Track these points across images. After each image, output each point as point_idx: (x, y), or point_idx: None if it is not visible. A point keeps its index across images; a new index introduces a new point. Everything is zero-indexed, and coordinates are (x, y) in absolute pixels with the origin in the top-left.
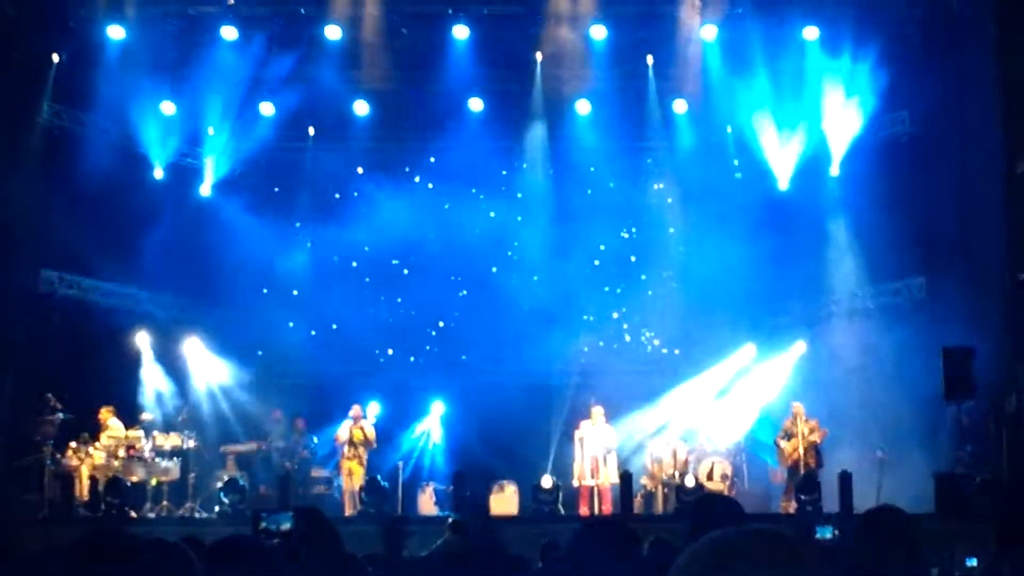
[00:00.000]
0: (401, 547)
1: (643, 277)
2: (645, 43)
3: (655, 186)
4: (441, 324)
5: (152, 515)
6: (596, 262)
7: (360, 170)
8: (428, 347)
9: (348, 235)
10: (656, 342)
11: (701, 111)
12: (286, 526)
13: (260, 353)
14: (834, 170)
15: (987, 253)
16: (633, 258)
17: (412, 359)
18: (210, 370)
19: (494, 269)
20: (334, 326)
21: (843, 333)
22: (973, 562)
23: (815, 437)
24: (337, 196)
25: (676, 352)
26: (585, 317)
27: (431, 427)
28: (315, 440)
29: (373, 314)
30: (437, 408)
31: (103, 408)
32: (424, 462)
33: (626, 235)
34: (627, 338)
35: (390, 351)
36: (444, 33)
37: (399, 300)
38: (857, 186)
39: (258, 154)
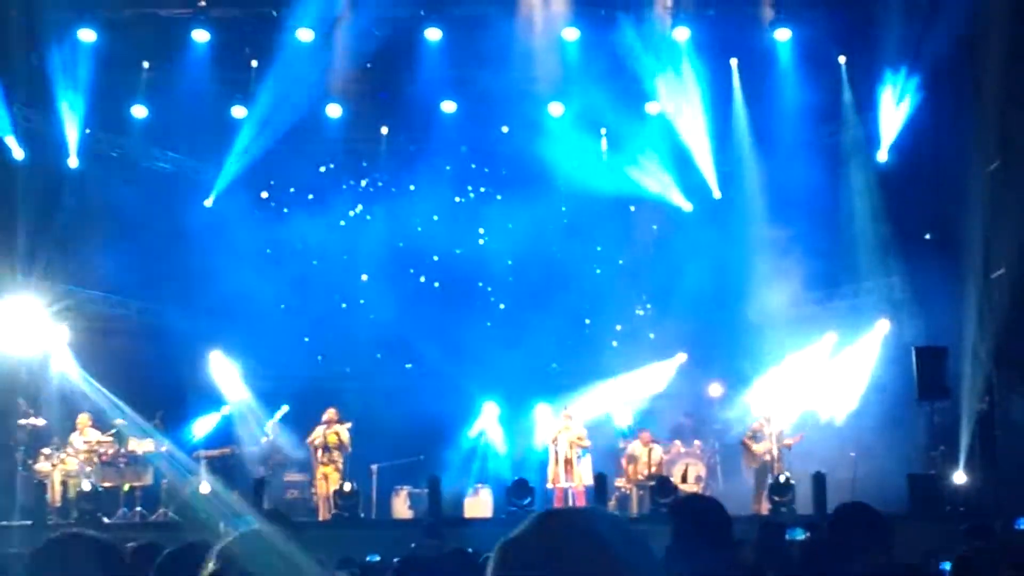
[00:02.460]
0: None
1: (627, 295)
2: (618, 45)
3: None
4: (411, 325)
5: (124, 521)
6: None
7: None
8: (397, 352)
9: (318, 238)
10: (614, 344)
11: (673, 113)
12: (245, 528)
13: (244, 356)
14: (810, 172)
15: (961, 253)
16: (620, 260)
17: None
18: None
19: (460, 261)
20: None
21: (816, 334)
22: (947, 566)
23: (789, 441)
24: (310, 198)
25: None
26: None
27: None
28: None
29: (346, 317)
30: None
31: (81, 415)
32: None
33: (601, 236)
34: (614, 343)
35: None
36: (416, 35)
37: (364, 302)
38: (832, 188)
39: (231, 157)
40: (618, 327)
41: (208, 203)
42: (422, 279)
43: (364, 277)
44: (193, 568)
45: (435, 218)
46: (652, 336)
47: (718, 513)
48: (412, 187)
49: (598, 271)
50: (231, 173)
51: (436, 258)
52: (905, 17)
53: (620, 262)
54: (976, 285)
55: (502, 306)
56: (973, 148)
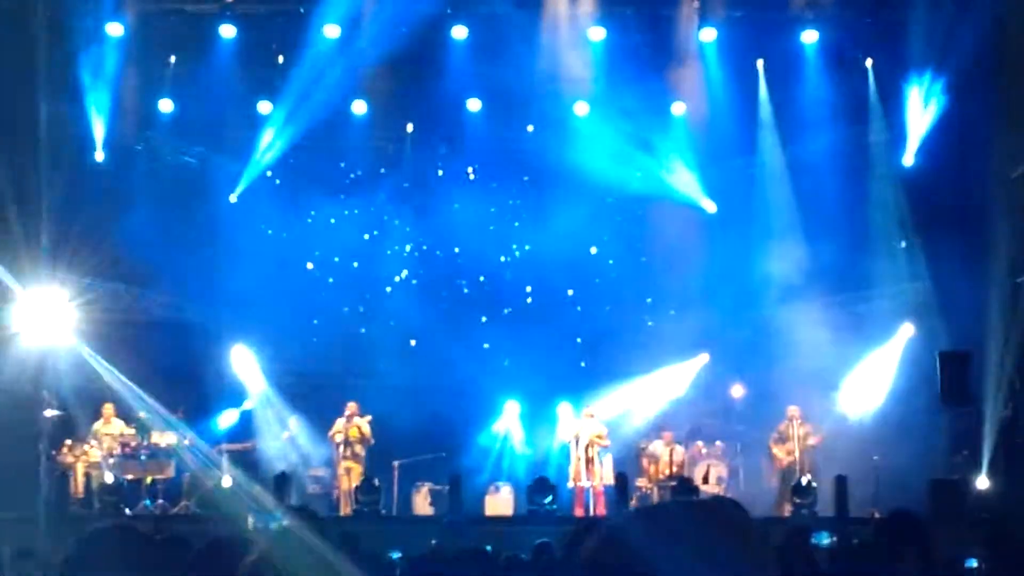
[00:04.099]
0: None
1: (650, 295)
2: (644, 45)
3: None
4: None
5: (146, 513)
6: (593, 249)
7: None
8: (418, 349)
9: (341, 235)
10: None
11: (699, 113)
12: (276, 525)
13: (265, 351)
14: (836, 174)
15: (986, 257)
16: (644, 258)
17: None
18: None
19: (491, 264)
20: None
21: (839, 337)
22: (973, 563)
23: (812, 441)
24: (334, 195)
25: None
26: (578, 308)
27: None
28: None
29: (369, 315)
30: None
31: (106, 404)
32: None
33: (626, 237)
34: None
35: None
36: (443, 33)
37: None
38: (857, 190)
39: (256, 153)
40: (648, 322)
41: (233, 199)
42: (444, 276)
43: (393, 286)
44: (227, 562)
45: (458, 217)
46: (674, 336)
47: (738, 513)
48: (436, 185)
49: (619, 271)
50: (256, 169)
51: (459, 256)
52: (932, 20)
53: (643, 260)
54: (1001, 290)
55: (529, 301)
56: (999, 152)
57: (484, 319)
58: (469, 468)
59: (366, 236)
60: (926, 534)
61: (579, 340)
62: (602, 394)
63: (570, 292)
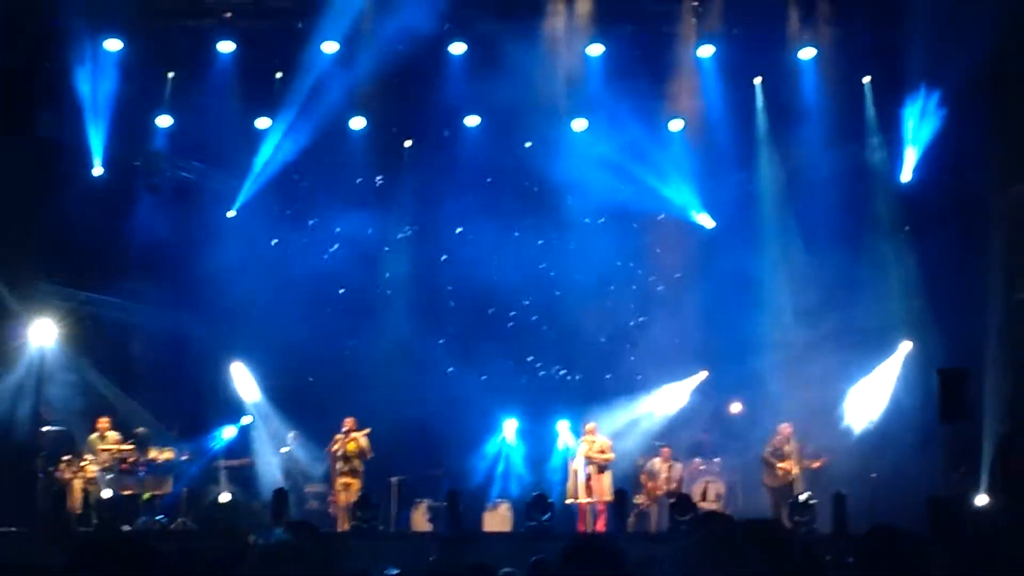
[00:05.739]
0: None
1: (648, 312)
2: (642, 61)
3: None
4: (442, 341)
5: (144, 529)
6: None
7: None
8: (417, 365)
9: (339, 250)
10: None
11: (697, 129)
12: (274, 542)
13: (263, 367)
14: (833, 191)
15: (985, 274)
16: (639, 271)
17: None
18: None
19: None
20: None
21: (838, 354)
22: None
23: (815, 464)
24: (332, 210)
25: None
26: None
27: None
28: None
29: (366, 330)
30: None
31: (100, 419)
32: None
33: (623, 253)
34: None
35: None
36: (441, 49)
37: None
38: (855, 206)
39: (254, 168)
40: (645, 338)
41: (231, 214)
42: (442, 292)
43: (391, 302)
44: None
45: (456, 234)
46: (672, 354)
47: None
48: (434, 201)
49: (617, 287)
50: (254, 184)
51: (458, 273)
52: (929, 37)
53: (639, 274)
54: (999, 307)
55: (529, 320)
56: (997, 169)
57: (479, 334)
58: (467, 485)
59: (363, 252)
60: (913, 551)
61: (574, 356)
62: (601, 411)
63: (566, 308)
